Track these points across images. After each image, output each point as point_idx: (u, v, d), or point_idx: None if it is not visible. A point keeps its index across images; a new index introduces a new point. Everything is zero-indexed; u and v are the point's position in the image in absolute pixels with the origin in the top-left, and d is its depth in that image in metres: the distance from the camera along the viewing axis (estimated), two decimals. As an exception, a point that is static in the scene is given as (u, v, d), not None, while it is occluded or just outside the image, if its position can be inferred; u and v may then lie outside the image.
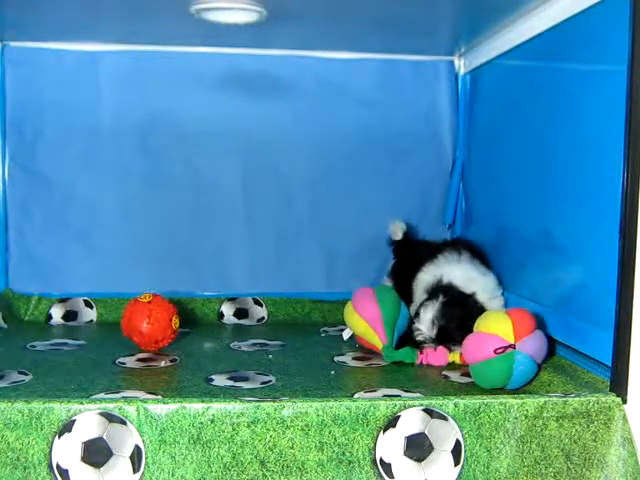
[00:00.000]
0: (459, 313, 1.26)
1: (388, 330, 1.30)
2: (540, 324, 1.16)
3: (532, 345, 1.09)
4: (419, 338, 1.28)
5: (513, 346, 1.07)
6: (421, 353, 1.26)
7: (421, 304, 1.32)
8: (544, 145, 1.27)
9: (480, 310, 1.26)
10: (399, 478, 0.91)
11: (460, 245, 1.48)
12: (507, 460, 0.93)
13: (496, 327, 1.09)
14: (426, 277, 1.39)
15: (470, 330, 1.17)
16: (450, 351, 1.26)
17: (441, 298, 1.28)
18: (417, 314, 1.30)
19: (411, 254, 1.55)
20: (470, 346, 1.12)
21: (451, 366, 1.25)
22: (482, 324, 1.13)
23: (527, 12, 1.30)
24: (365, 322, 1.32)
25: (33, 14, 1.37)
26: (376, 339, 1.31)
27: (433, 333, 1.27)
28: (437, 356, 1.25)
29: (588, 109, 1.12)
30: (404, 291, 1.45)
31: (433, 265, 1.41)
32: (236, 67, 1.67)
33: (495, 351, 1.07)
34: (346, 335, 1.42)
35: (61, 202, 1.64)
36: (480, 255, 1.46)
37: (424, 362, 1.25)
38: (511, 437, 0.93)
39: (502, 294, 1.38)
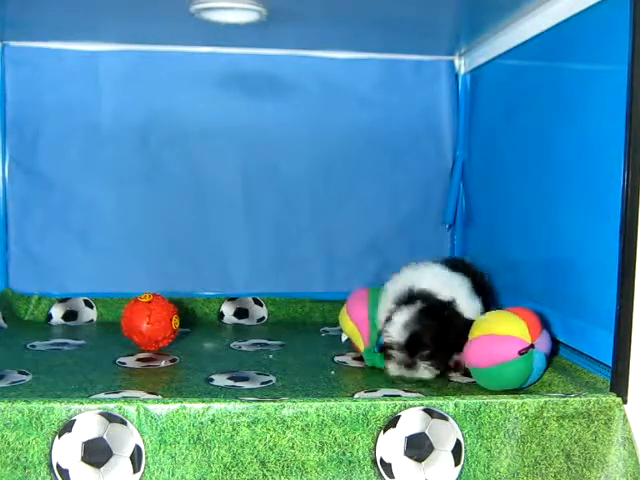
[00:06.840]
0: (437, 323, 1.14)
1: (373, 333, 1.26)
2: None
3: (545, 343, 1.10)
4: (386, 340, 1.15)
5: (532, 346, 1.07)
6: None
7: (394, 309, 1.17)
8: (544, 145, 1.27)
9: (464, 322, 1.15)
10: (399, 478, 0.90)
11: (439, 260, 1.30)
12: (507, 460, 0.93)
13: (511, 328, 1.08)
14: (393, 286, 1.24)
15: (448, 344, 1.13)
16: (413, 365, 1.13)
17: (419, 304, 1.15)
18: (389, 319, 1.16)
19: None
20: (485, 349, 1.09)
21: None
22: (492, 326, 1.10)
23: (527, 12, 1.30)
24: (353, 323, 1.31)
25: (33, 14, 1.37)
26: (360, 341, 1.29)
27: (403, 338, 1.12)
28: None
29: (588, 109, 1.12)
30: None
31: (399, 274, 1.27)
32: (236, 67, 1.66)
33: (519, 352, 1.06)
34: (344, 337, 1.41)
35: (61, 202, 1.64)
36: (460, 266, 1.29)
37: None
38: (511, 437, 0.93)
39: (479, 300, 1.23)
